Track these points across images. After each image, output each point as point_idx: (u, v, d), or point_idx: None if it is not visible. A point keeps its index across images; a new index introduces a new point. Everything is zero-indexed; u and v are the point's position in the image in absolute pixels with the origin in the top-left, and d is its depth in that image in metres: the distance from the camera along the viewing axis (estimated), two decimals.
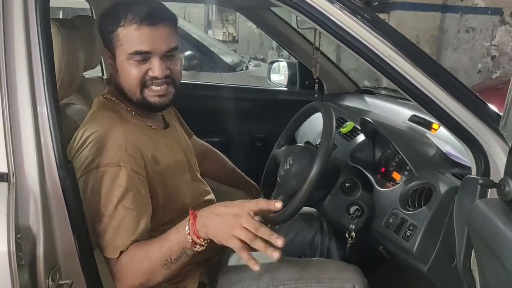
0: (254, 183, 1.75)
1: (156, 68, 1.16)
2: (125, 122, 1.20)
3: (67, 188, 1.00)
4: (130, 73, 1.17)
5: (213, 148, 1.75)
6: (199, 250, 1.03)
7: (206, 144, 1.74)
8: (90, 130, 1.16)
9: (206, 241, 1.02)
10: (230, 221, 0.97)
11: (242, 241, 0.95)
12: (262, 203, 0.99)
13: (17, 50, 0.96)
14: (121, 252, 1.08)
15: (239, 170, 1.76)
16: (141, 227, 1.10)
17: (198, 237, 1.00)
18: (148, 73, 1.17)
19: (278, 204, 0.97)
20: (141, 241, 1.10)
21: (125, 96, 1.22)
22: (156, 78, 1.17)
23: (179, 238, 1.03)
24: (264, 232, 0.94)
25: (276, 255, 0.92)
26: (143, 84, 1.18)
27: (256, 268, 0.93)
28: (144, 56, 1.15)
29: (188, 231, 1.01)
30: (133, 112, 1.25)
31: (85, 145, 1.13)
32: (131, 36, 1.14)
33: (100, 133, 1.14)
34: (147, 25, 1.13)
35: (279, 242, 0.92)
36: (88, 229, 1.07)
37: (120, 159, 1.11)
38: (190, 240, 1.01)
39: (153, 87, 1.18)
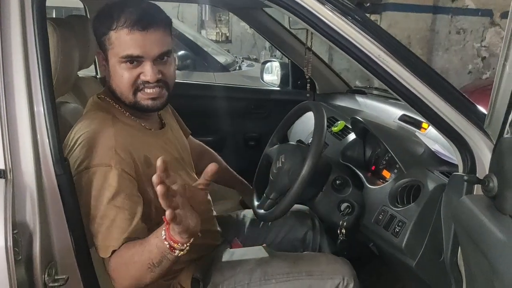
0: (246, 182, 1.77)
1: (147, 72, 1.15)
2: (117, 122, 1.20)
3: (63, 185, 1.02)
4: (122, 76, 1.16)
5: (208, 148, 1.77)
6: (180, 254, 1.00)
7: (202, 143, 1.75)
8: (82, 130, 1.16)
9: (185, 245, 0.99)
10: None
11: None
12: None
13: (14, 49, 0.98)
14: (113, 252, 1.08)
15: (232, 170, 1.78)
16: (133, 227, 1.09)
17: (175, 242, 0.98)
18: (140, 77, 1.16)
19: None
20: (131, 240, 1.08)
21: (117, 98, 1.22)
22: (148, 82, 1.16)
23: (157, 243, 1.01)
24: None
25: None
26: (136, 88, 1.18)
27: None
28: (135, 60, 1.15)
29: (164, 236, 0.98)
30: (127, 113, 1.24)
31: (76, 145, 1.14)
32: (123, 40, 1.13)
33: (91, 134, 1.14)
34: (138, 29, 1.12)
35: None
36: (84, 225, 1.09)
37: (110, 160, 1.11)
38: (168, 246, 0.99)
39: (146, 90, 1.18)
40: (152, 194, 1.21)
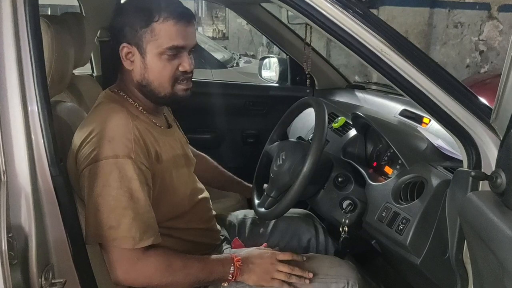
0: (245, 183, 1.74)
1: (187, 62, 1.20)
2: (131, 115, 1.20)
3: (59, 186, 1.00)
4: (163, 68, 1.19)
5: (204, 154, 1.74)
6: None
7: (196, 151, 1.72)
8: (97, 121, 1.15)
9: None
10: (269, 269, 1.24)
11: (281, 280, 1.24)
12: (287, 256, 1.28)
13: (6, 47, 0.95)
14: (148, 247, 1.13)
15: (228, 172, 1.76)
16: (154, 220, 1.16)
17: (236, 280, 1.23)
18: (179, 68, 1.20)
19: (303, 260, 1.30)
20: (167, 248, 1.19)
21: (148, 92, 1.22)
22: (186, 72, 1.21)
23: (220, 273, 1.21)
24: (297, 271, 1.25)
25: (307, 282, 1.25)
26: (175, 79, 1.21)
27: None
28: (176, 51, 1.19)
29: (232, 271, 1.22)
30: (140, 108, 1.25)
31: (91, 136, 1.12)
32: (169, 31, 1.17)
33: (109, 124, 1.14)
34: (184, 20, 1.18)
35: (310, 275, 1.26)
36: (80, 227, 1.07)
37: (130, 151, 1.11)
38: (231, 277, 1.22)
39: (184, 81, 1.23)
40: (156, 189, 1.20)
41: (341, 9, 1.05)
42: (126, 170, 1.10)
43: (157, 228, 1.17)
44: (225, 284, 1.23)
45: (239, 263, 1.22)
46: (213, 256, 1.25)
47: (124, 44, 1.20)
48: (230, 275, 1.21)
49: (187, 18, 1.19)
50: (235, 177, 1.76)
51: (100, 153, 1.10)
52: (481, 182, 1.06)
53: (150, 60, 1.19)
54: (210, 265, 1.21)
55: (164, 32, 1.17)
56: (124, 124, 1.15)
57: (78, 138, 1.16)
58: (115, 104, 1.21)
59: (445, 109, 1.07)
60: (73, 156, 1.16)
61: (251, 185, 1.66)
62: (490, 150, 1.06)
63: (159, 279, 1.14)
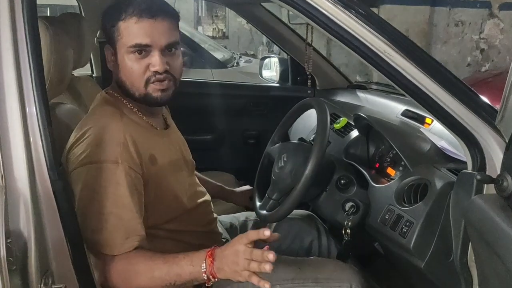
0: (238, 190, 1.70)
1: (156, 61, 1.14)
2: (125, 118, 1.19)
3: (59, 190, 0.98)
4: (132, 68, 1.15)
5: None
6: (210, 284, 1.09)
7: None
8: (90, 124, 1.15)
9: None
10: (237, 260, 1.04)
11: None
12: (252, 236, 1.05)
13: (4, 49, 0.93)
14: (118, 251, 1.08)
15: (208, 179, 1.67)
16: (139, 226, 1.11)
17: (214, 277, 1.05)
18: (149, 68, 1.15)
19: (266, 232, 1.04)
20: (143, 250, 1.10)
21: (126, 92, 1.20)
22: (157, 72, 1.15)
23: (193, 271, 1.06)
24: (256, 254, 1.03)
25: (267, 266, 1.01)
26: (147, 79, 1.16)
27: (267, 286, 1.02)
28: (144, 50, 1.14)
29: (205, 269, 1.05)
30: (135, 109, 1.23)
31: (83, 138, 1.12)
32: (131, 29, 1.13)
33: (100, 128, 1.13)
34: (147, 17, 1.12)
35: (270, 256, 1.01)
36: (80, 232, 1.05)
37: (118, 156, 1.10)
38: (205, 277, 1.06)
39: (157, 82, 1.17)
40: (152, 193, 1.19)
41: (343, 9, 1.03)
42: (112, 175, 1.08)
43: (143, 234, 1.12)
44: (210, 283, 1.07)
45: (211, 259, 1.06)
46: (185, 255, 1.09)
47: (107, 45, 1.20)
48: (204, 275, 1.05)
49: (151, 14, 1.13)
50: (215, 182, 1.68)
51: (88, 157, 1.09)
52: (486, 185, 1.04)
53: (120, 60, 1.17)
54: (177, 267, 1.07)
55: (126, 30, 1.14)
56: (114, 128, 1.13)
57: (71, 139, 1.16)
58: (109, 106, 1.20)
59: (449, 111, 1.05)
60: (64, 156, 1.15)
61: (243, 191, 1.65)
62: (495, 152, 1.05)
63: (135, 286, 1.09)
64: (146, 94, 1.18)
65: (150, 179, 1.18)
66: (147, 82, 1.16)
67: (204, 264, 1.05)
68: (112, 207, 1.08)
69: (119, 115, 1.18)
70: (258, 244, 1.51)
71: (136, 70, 1.15)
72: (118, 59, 1.17)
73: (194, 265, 1.06)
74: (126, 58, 1.15)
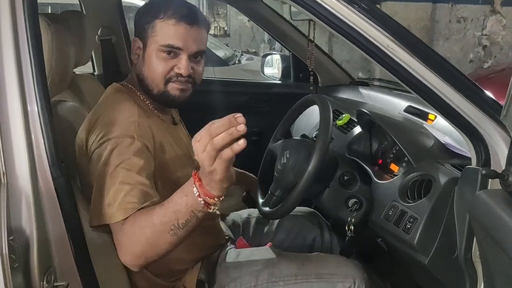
0: (249, 174, 1.68)
1: (182, 65, 1.19)
2: (138, 106, 1.21)
3: (61, 188, 0.97)
4: (157, 65, 1.20)
5: None
6: (214, 210, 0.98)
7: None
8: (103, 108, 1.19)
9: (220, 199, 0.97)
10: (213, 154, 0.91)
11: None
12: (218, 125, 0.94)
13: (5, 46, 0.93)
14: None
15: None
16: (152, 191, 1.07)
17: (211, 197, 0.95)
18: (174, 69, 1.20)
19: (239, 119, 0.94)
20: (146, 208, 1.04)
21: (144, 86, 1.24)
22: (180, 75, 1.20)
23: (188, 201, 0.97)
24: (217, 127, 0.93)
25: (240, 127, 0.93)
26: (169, 78, 1.21)
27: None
28: (174, 51, 1.19)
29: (197, 193, 0.96)
30: (147, 102, 1.26)
31: (97, 122, 1.15)
32: (168, 30, 1.18)
33: (112, 110, 1.16)
34: (185, 22, 1.18)
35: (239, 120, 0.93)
36: (82, 229, 1.04)
37: (133, 132, 1.12)
38: (202, 202, 0.96)
39: (178, 82, 1.22)
40: (159, 186, 1.17)
41: (346, 4, 1.02)
42: (128, 148, 1.09)
43: (157, 196, 1.08)
44: (212, 208, 0.98)
45: (199, 182, 0.96)
46: (176, 192, 1.01)
47: (135, 38, 1.25)
48: (199, 199, 0.96)
49: (190, 20, 1.18)
50: (238, 169, 1.65)
51: (105, 135, 1.11)
52: (490, 180, 1.04)
53: (148, 55, 1.21)
54: (172, 204, 1.00)
55: (162, 30, 1.19)
56: (128, 109, 1.17)
57: (84, 129, 1.17)
58: (122, 94, 1.24)
59: (454, 106, 1.05)
60: (82, 148, 1.16)
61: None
62: (499, 148, 1.04)
63: (142, 244, 1.02)
64: (164, 91, 1.22)
65: (158, 167, 1.17)
66: (168, 81, 1.21)
67: (195, 188, 0.96)
68: (125, 176, 1.05)
69: (133, 101, 1.21)
70: (260, 242, 1.51)
71: (161, 68, 1.20)
72: (145, 54, 1.22)
73: (186, 194, 0.98)
74: (155, 55, 1.20)
